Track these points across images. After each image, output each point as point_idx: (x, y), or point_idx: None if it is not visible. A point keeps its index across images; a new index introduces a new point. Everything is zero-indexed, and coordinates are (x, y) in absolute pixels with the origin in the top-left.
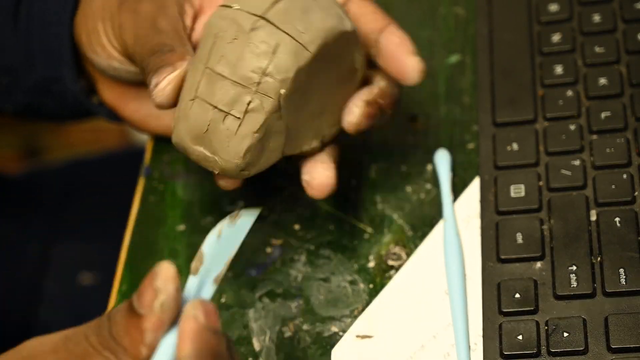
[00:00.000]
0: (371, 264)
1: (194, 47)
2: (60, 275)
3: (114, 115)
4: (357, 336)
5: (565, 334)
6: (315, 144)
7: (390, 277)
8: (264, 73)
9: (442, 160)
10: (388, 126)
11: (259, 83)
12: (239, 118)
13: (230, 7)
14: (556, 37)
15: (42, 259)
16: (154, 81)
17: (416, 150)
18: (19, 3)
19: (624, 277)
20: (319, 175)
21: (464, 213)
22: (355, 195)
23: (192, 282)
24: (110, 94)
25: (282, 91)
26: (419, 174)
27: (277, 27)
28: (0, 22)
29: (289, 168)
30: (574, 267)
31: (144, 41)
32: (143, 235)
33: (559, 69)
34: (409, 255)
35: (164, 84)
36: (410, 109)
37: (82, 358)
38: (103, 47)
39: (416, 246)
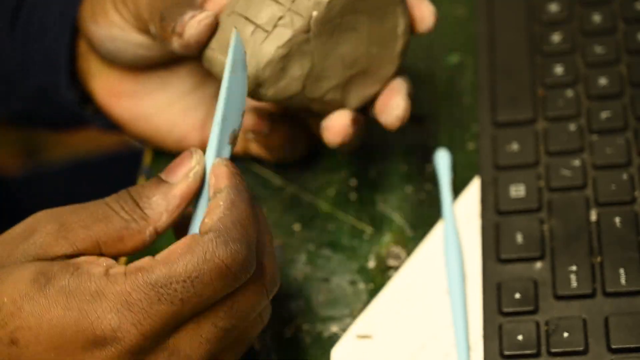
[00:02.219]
0: (371, 264)
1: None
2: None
3: (107, 124)
4: (357, 336)
5: (565, 334)
6: (337, 95)
7: (390, 277)
8: None
9: (442, 160)
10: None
11: (293, 1)
12: (267, 31)
13: None
14: (556, 37)
15: None
16: (189, 14)
17: (416, 150)
18: (18, 9)
19: (624, 277)
20: (337, 119)
21: (464, 213)
22: (355, 195)
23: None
24: (104, 90)
25: (314, 13)
26: (419, 174)
27: None
28: None
29: (289, 168)
30: (574, 267)
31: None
32: None
33: (559, 69)
34: (409, 255)
35: (201, 16)
36: (411, 108)
37: (102, 217)
38: (105, 14)
39: (416, 246)
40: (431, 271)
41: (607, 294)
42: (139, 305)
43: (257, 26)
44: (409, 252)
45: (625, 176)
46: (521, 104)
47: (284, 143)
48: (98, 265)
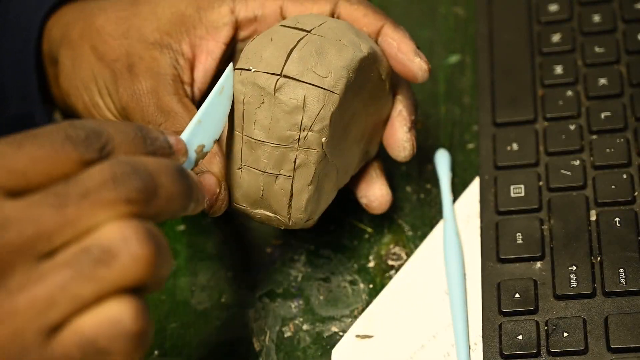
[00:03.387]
0: (371, 264)
1: (201, 99)
2: None
3: None
4: (357, 336)
5: (565, 334)
6: (363, 163)
7: (390, 277)
8: (301, 128)
9: (442, 160)
10: None
11: (298, 139)
12: (290, 177)
13: (246, 69)
14: (556, 37)
15: None
16: (211, 193)
17: (416, 150)
18: None
19: (624, 277)
20: (376, 196)
21: (464, 213)
22: (355, 195)
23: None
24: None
25: (324, 139)
26: (419, 174)
27: (299, 80)
28: None
29: None
30: (574, 267)
31: (154, 125)
32: None
33: (559, 69)
34: (409, 255)
35: (223, 194)
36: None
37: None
38: (98, 108)
39: (416, 246)
40: (431, 271)
41: (606, 294)
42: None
43: (278, 175)
44: (409, 252)
45: (625, 176)
46: (521, 104)
47: None
48: None
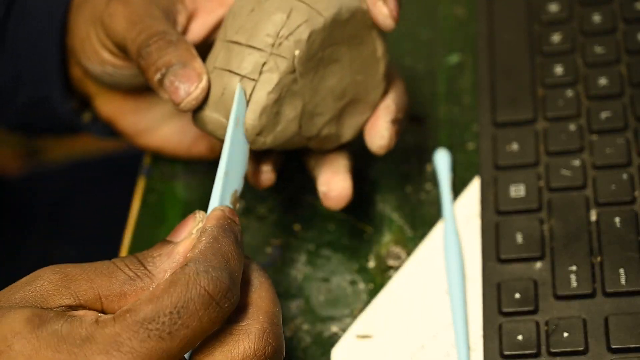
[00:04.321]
0: (371, 264)
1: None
2: None
3: (105, 132)
4: (357, 336)
5: (565, 334)
6: (332, 129)
7: (390, 277)
8: (278, 36)
9: (442, 160)
10: None
11: (272, 45)
12: (254, 80)
13: None
14: (556, 37)
15: (42, 262)
16: (183, 88)
17: (416, 150)
18: (5, 21)
19: (624, 277)
20: (337, 186)
21: (464, 213)
22: (355, 195)
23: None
24: (107, 108)
25: (297, 52)
26: (419, 174)
27: None
28: None
29: (289, 168)
30: (574, 267)
31: (140, 28)
32: (143, 235)
33: (559, 69)
34: (409, 255)
35: (197, 93)
36: (410, 109)
37: (106, 272)
38: (96, 52)
39: (416, 246)
40: (431, 271)
41: (607, 294)
42: (128, 344)
43: (243, 77)
44: (409, 252)
45: (625, 176)
46: (521, 104)
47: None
48: (92, 314)
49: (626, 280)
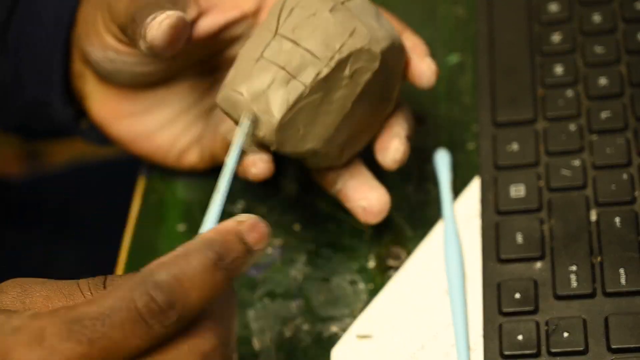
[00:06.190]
0: (371, 264)
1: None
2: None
3: (102, 139)
4: (357, 336)
5: (565, 334)
6: (338, 157)
7: (390, 277)
8: (336, 51)
9: (442, 160)
10: None
11: (331, 58)
12: (303, 84)
13: None
14: (556, 37)
15: (44, 264)
16: (149, 18)
17: (416, 150)
18: (8, 22)
19: (624, 277)
20: (378, 202)
21: (464, 213)
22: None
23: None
24: (102, 110)
25: (346, 72)
26: (419, 174)
27: (357, 16)
28: None
29: (289, 168)
30: (574, 267)
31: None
32: (143, 235)
33: (559, 69)
34: (409, 255)
35: (162, 17)
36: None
37: (66, 293)
38: (99, 36)
39: (416, 246)
40: (431, 271)
41: (607, 294)
42: (49, 340)
43: (293, 78)
44: (409, 252)
45: (625, 176)
46: (521, 104)
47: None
48: (33, 310)
49: (626, 280)
